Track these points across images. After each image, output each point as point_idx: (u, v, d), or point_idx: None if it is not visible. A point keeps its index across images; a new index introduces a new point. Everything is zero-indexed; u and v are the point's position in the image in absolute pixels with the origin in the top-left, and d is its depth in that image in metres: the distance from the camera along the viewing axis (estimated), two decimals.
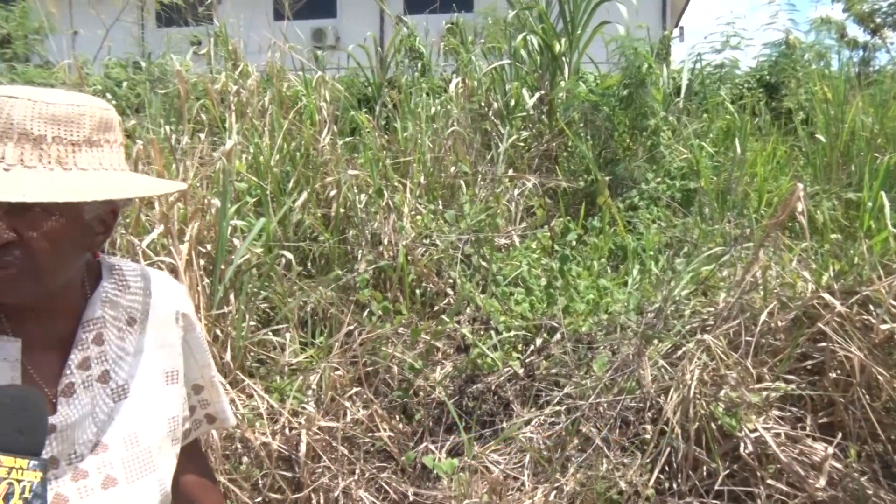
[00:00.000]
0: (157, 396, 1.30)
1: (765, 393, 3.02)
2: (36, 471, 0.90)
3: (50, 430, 1.13)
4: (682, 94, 6.17)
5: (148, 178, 1.28)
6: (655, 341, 3.39)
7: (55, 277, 1.14)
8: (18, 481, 0.87)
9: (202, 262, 3.41)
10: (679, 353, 3.26)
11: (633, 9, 6.20)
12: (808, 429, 3.01)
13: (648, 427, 3.11)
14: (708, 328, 3.32)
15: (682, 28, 17.37)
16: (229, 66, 5.13)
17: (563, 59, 5.84)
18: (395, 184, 4.33)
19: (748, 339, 3.13)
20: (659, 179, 5.15)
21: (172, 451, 1.33)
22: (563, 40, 5.85)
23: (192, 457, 1.50)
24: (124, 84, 5.71)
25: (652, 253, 4.25)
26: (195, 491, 1.52)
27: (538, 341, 3.59)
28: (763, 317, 3.17)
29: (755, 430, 2.92)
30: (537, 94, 5.55)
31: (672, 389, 3.05)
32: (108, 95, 5.53)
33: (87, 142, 1.09)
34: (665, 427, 2.97)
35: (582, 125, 5.54)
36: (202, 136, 4.30)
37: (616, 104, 5.47)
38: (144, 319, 1.31)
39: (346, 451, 3.16)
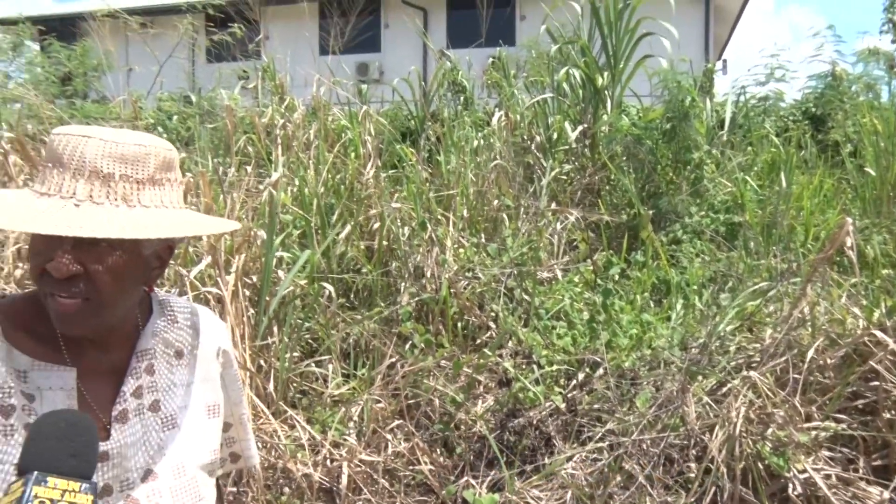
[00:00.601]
0: (201, 428, 1.33)
1: (814, 432, 2.95)
2: (87, 494, 0.92)
3: (103, 457, 1.17)
4: (726, 127, 6.13)
5: (204, 217, 1.33)
6: (700, 377, 3.34)
7: (115, 310, 1.17)
8: (71, 503, 0.89)
9: (247, 292, 3.46)
10: (724, 389, 3.21)
11: (675, 42, 6.20)
12: (861, 471, 2.93)
13: (693, 465, 3.05)
14: (754, 365, 3.26)
15: (725, 61, 17.30)
16: (276, 100, 5.24)
17: (606, 92, 5.85)
18: (439, 217, 4.36)
19: (796, 376, 3.07)
20: (703, 213, 5.11)
21: (211, 483, 1.35)
22: (605, 74, 5.87)
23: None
24: (175, 118, 5.87)
25: (696, 287, 4.20)
26: None
27: (580, 376, 3.56)
28: (811, 354, 3.10)
29: (804, 470, 2.85)
30: (580, 128, 5.56)
31: (717, 427, 2.99)
32: (160, 129, 5.69)
33: (150, 180, 1.13)
34: (710, 465, 2.92)
35: (625, 158, 5.53)
36: (248, 168, 4.39)
37: (659, 137, 5.46)
38: (191, 353, 1.35)
39: (386, 484, 3.15)
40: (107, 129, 1.13)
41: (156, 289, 1.40)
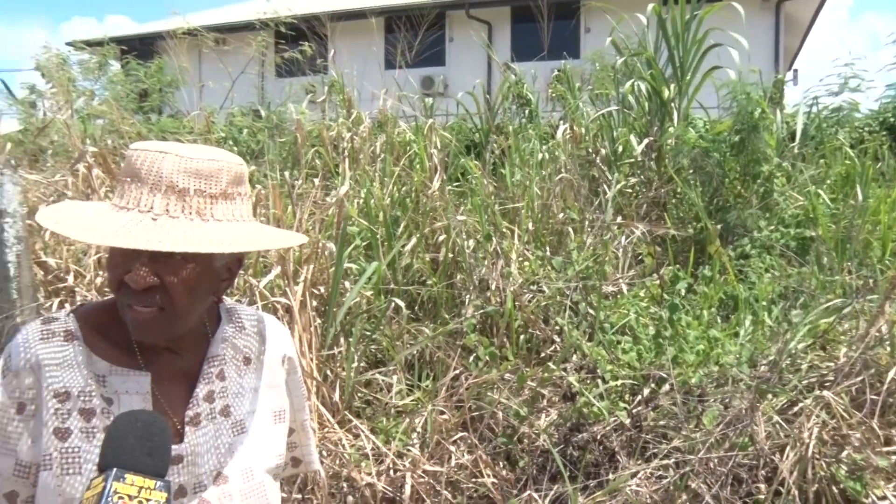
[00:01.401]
0: (268, 433, 1.37)
1: (894, 457, 2.85)
2: (162, 491, 0.95)
3: (177, 460, 1.21)
4: (798, 139, 5.98)
5: (273, 230, 1.37)
6: (770, 396, 3.26)
7: (188, 319, 1.22)
8: (147, 500, 0.93)
9: (315, 303, 3.53)
10: (795, 409, 3.12)
11: (745, 53, 6.08)
12: None
13: (762, 486, 2.98)
14: (827, 384, 3.17)
15: (795, 71, 16.88)
16: (343, 114, 5.34)
17: (672, 104, 5.78)
18: (504, 229, 4.37)
19: (873, 397, 2.97)
20: (772, 227, 4.99)
21: (276, 486, 1.39)
22: (672, 86, 5.80)
23: None
24: (245, 132, 6.03)
25: (765, 303, 4.10)
26: None
27: (646, 391, 3.51)
28: (891, 374, 3.00)
29: (884, 497, 2.75)
30: (646, 141, 5.50)
31: (788, 448, 2.92)
32: (231, 142, 5.85)
33: (223, 195, 1.17)
34: (780, 488, 2.84)
35: (691, 172, 5.44)
36: (316, 181, 4.48)
37: (727, 150, 5.36)
38: (258, 360, 1.39)
39: (449, 496, 3.15)
40: (182, 145, 1.17)
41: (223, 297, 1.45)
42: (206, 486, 1.25)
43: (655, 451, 3.24)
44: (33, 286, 3.43)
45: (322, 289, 3.61)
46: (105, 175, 4.07)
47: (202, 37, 6.11)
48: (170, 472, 1.19)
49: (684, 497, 3.03)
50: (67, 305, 3.53)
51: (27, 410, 1.20)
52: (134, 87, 6.54)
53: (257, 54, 6.48)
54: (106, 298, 1.39)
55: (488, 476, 3.25)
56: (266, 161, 5.02)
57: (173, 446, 1.20)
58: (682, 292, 4.15)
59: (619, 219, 4.83)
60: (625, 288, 4.24)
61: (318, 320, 3.46)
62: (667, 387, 3.46)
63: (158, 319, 1.17)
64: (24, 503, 1.22)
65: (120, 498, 0.90)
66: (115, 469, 0.93)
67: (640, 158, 5.51)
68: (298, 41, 6.80)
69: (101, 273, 3.79)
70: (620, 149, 5.57)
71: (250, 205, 1.25)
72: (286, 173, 4.46)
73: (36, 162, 4.65)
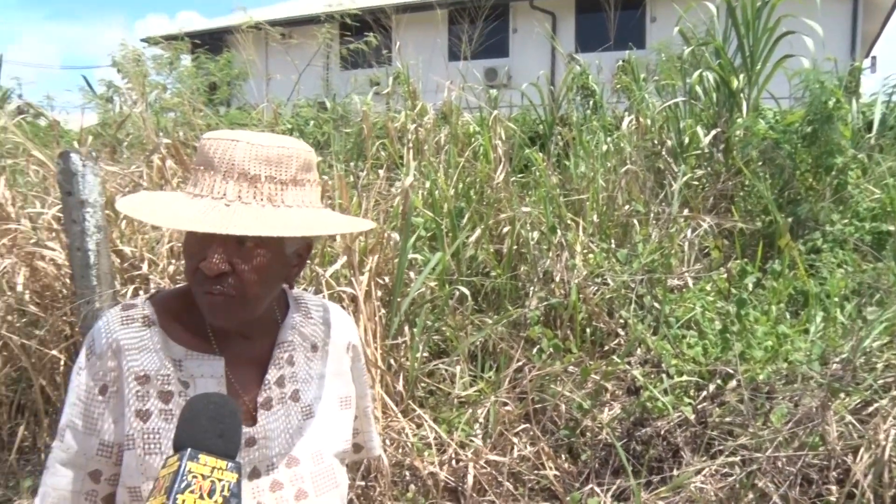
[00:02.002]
0: (335, 418, 1.40)
1: None
2: (233, 472, 0.98)
3: (250, 442, 1.25)
4: (874, 130, 5.77)
5: (342, 217, 1.38)
6: (842, 395, 3.17)
7: (259, 305, 1.25)
8: (219, 480, 0.95)
9: (380, 293, 3.57)
10: (870, 409, 3.03)
11: (819, 40, 5.89)
12: None
13: (833, 488, 2.90)
14: None
15: (874, 58, 16.27)
16: (408, 106, 5.37)
17: (742, 94, 5.64)
18: (568, 221, 4.34)
19: None
20: (846, 221, 4.84)
21: (344, 470, 1.41)
22: (741, 76, 5.66)
23: None
24: (311, 123, 6.12)
25: (837, 299, 3.99)
26: None
27: (711, 387, 3.45)
28: None
29: None
30: (713, 132, 5.39)
31: (862, 449, 2.83)
32: (297, 134, 5.95)
33: (293, 181, 1.19)
34: (854, 490, 2.77)
35: (761, 164, 5.30)
36: (381, 172, 4.52)
37: (799, 141, 5.20)
38: (324, 347, 1.41)
39: (511, 487, 3.16)
40: (253, 133, 1.19)
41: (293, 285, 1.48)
42: (277, 467, 1.28)
43: (721, 447, 3.19)
44: (111, 273, 3.56)
45: (387, 279, 3.66)
46: (177, 166, 4.19)
47: (267, 31, 6.22)
48: (243, 454, 1.23)
49: (751, 496, 2.98)
50: (142, 292, 3.66)
51: (109, 392, 1.25)
52: (204, 81, 6.71)
53: (323, 47, 6.57)
54: (180, 286, 1.44)
55: (550, 468, 3.25)
56: (331, 152, 5.09)
57: (246, 429, 1.24)
58: (750, 287, 4.06)
59: (685, 211, 4.75)
60: (690, 282, 4.18)
61: (383, 310, 3.50)
62: (733, 383, 3.40)
63: (231, 304, 1.20)
64: (107, 482, 1.27)
65: (194, 477, 0.93)
66: (189, 449, 0.96)
67: (707, 150, 5.40)
68: (363, 33, 6.86)
69: (173, 261, 3.91)
70: (687, 140, 5.47)
71: (319, 191, 1.27)
72: (351, 164, 4.52)
73: (114, 154, 4.82)
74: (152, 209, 1.21)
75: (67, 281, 3.83)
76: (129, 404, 1.23)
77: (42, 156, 4.36)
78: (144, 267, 3.86)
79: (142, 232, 3.99)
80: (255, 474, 1.26)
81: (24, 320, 3.88)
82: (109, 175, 4.10)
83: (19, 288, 3.89)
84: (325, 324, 1.43)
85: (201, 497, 0.92)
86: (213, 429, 1.00)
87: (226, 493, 0.95)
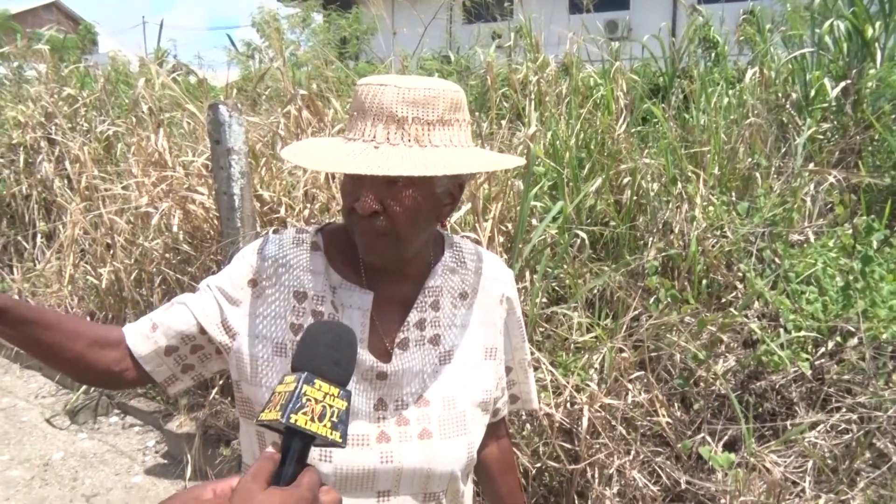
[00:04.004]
0: (476, 367, 1.41)
1: None
2: (343, 400, 1.00)
3: (382, 377, 1.30)
4: None
5: (491, 154, 1.44)
6: None
7: (410, 244, 1.29)
8: (330, 406, 0.98)
9: (502, 239, 3.70)
10: None
11: None
12: None
13: None
14: None
15: None
16: (530, 58, 5.41)
17: (876, 44, 5.32)
18: (689, 173, 4.31)
19: None
20: None
21: (482, 420, 1.43)
22: (877, 24, 5.33)
23: (498, 435, 1.60)
24: (436, 75, 6.24)
25: None
26: (495, 468, 1.61)
27: (830, 344, 3.39)
28: None
29: None
30: (842, 84, 5.15)
31: None
32: None
33: (440, 121, 1.21)
34: None
35: (894, 117, 5.03)
36: (504, 122, 4.61)
37: None
38: (474, 296, 1.43)
39: (623, 432, 3.22)
40: (402, 77, 1.22)
41: (448, 231, 1.52)
42: (408, 404, 1.32)
43: (837, 405, 3.15)
44: (253, 216, 3.85)
45: (509, 225, 3.77)
46: (312, 116, 4.42)
47: None
48: (374, 387, 1.30)
49: (867, 455, 2.95)
50: None
51: (257, 289, 1.34)
52: (334, 36, 6.94)
53: (447, 1, 6.64)
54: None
55: (663, 416, 3.29)
56: None
57: (381, 364, 1.30)
58: (876, 245, 3.93)
59: (810, 165, 4.61)
60: (812, 237, 4.08)
61: (505, 255, 3.62)
62: (854, 341, 3.33)
63: (383, 243, 1.26)
64: (198, 357, 1.39)
65: (308, 400, 0.96)
66: (306, 373, 0.99)
67: (834, 103, 5.17)
68: None
69: (308, 205, 4.16)
70: (813, 93, 5.25)
71: (469, 131, 1.28)
72: (476, 114, 4.62)
73: (254, 106, 5.12)
74: (308, 153, 1.30)
75: (215, 222, 4.16)
76: (286, 317, 1.31)
77: (194, 108, 4.71)
78: (282, 210, 4.14)
79: (280, 178, 4.26)
80: (381, 406, 1.31)
81: (179, 258, 4.26)
82: (251, 125, 4.39)
83: (174, 229, 4.26)
84: (478, 273, 1.45)
85: (312, 420, 0.95)
86: (330, 356, 1.02)
87: (335, 419, 0.97)
